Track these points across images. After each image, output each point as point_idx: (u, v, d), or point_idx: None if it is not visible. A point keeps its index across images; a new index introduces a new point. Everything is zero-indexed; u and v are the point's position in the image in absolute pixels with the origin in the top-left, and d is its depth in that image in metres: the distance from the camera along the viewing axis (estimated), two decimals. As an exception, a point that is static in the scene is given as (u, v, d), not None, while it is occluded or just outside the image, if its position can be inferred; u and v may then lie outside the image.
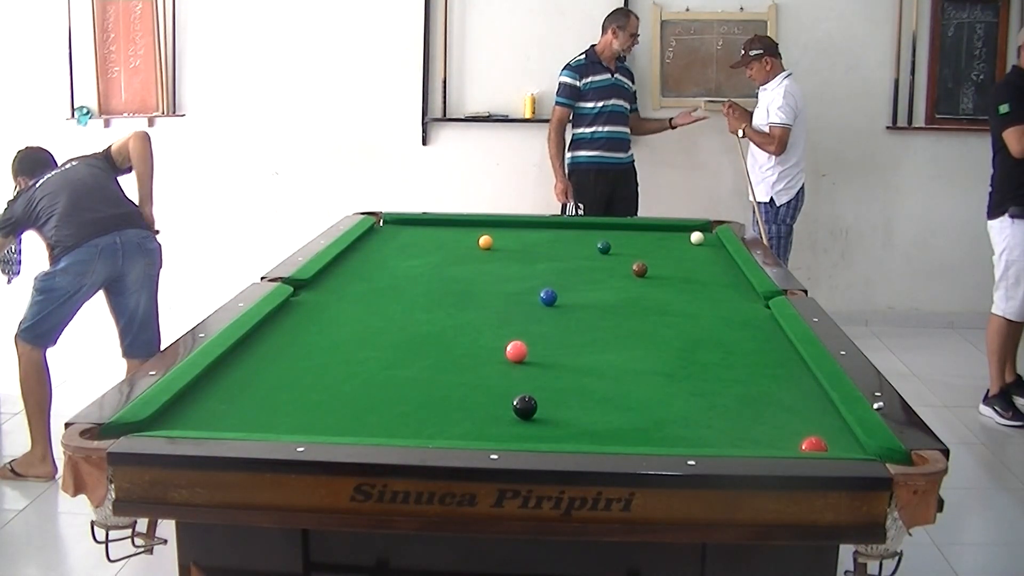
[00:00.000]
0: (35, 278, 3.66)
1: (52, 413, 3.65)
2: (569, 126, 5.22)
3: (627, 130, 5.23)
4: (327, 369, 2.24)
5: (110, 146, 3.94)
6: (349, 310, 2.77)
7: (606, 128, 5.13)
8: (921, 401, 4.14)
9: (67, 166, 3.86)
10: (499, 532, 1.63)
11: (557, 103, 5.19)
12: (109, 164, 3.91)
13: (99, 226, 3.62)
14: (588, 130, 5.15)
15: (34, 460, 3.60)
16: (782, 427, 1.93)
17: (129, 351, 3.82)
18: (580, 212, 5.12)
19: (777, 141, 4.89)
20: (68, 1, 5.56)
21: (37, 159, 3.97)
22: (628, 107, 5.23)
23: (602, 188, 5.15)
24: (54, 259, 3.63)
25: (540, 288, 2.82)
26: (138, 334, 3.79)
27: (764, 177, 5.00)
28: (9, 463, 3.64)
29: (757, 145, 4.99)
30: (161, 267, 3.87)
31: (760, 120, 5.01)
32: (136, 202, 3.87)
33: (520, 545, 1.77)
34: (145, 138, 3.86)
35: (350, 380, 2.17)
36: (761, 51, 4.98)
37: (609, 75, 5.13)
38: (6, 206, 3.82)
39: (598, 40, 5.17)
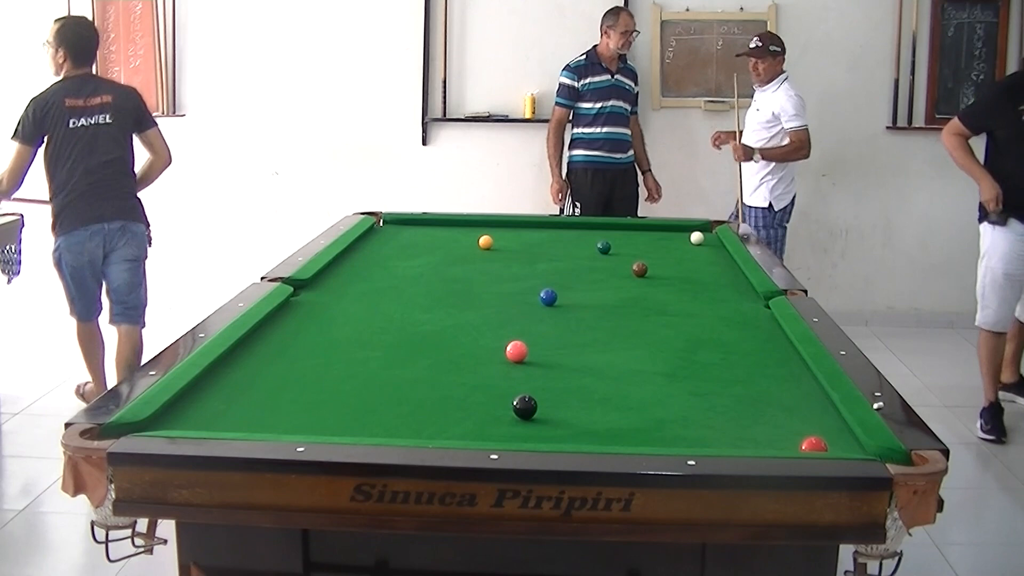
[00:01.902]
0: (52, 251, 3.99)
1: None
2: (570, 125, 5.22)
3: (627, 131, 5.22)
4: (327, 369, 2.24)
5: (147, 117, 4.13)
6: (349, 310, 2.77)
7: (604, 129, 5.13)
8: (921, 401, 4.14)
9: (93, 120, 3.90)
10: (499, 532, 1.63)
11: (556, 103, 5.20)
12: (132, 125, 4.04)
13: (99, 213, 3.91)
14: (587, 130, 5.15)
15: (92, 388, 4.17)
16: (782, 427, 1.93)
17: (115, 318, 4.11)
18: (577, 212, 5.13)
19: (804, 145, 4.85)
20: (68, 1, 5.56)
21: (88, 43, 4.02)
22: (629, 108, 5.23)
23: (599, 188, 5.15)
24: (55, 230, 3.95)
25: (540, 288, 2.82)
26: (124, 303, 4.07)
27: (763, 182, 4.94)
28: (81, 386, 4.28)
29: (781, 160, 4.89)
30: (149, 247, 4.15)
31: (757, 121, 4.94)
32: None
33: (520, 545, 1.77)
34: (166, 166, 4.20)
35: (350, 380, 2.17)
36: (779, 50, 4.91)
37: (609, 76, 5.12)
38: (23, 114, 3.89)
39: (599, 41, 5.17)
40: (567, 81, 5.14)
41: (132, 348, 4.05)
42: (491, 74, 5.68)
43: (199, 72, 5.78)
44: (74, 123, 3.87)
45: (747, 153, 4.89)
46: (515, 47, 5.64)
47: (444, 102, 5.70)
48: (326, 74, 5.72)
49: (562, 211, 5.21)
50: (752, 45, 4.94)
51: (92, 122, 3.90)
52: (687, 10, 5.57)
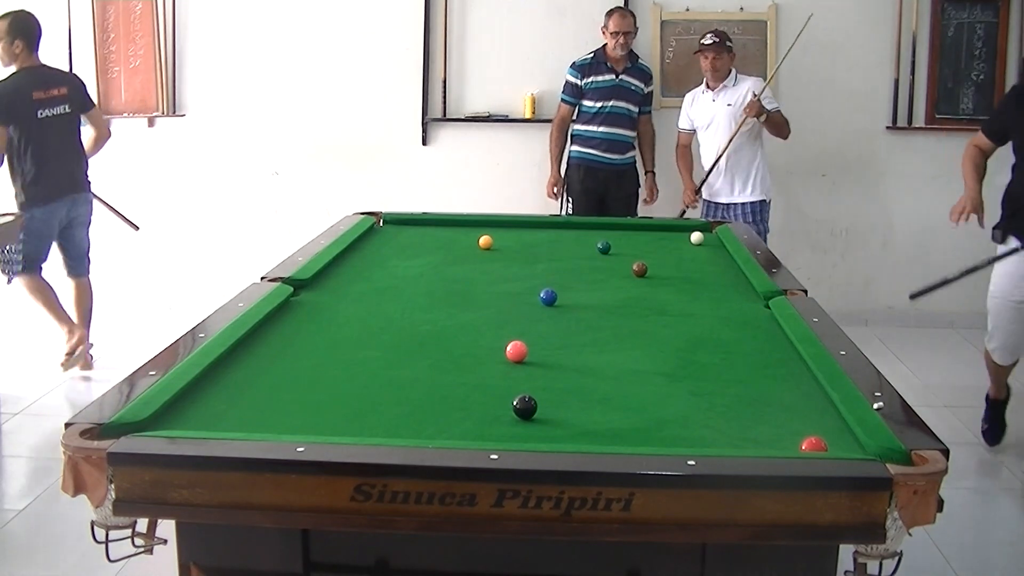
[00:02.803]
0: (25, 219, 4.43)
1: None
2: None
3: (628, 132, 5.21)
4: (327, 369, 2.24)
5: (91, 100, 4.81)
6: (349, 310, 2.77)
7: (602, 128, 5.14)
8: (921, 401, 4.12)
9: (57, 111, 4.55)
10: (499, 532, 1.63)
11: (561, 100, 5.24)
12: (82, 109, 4.71)
13: (62, 189, 4.59)
14: (585, 128, 5.18)
15: (70, 338, 4.63)
16: (782, 427, 1.93)
17: (73, 272, 4.82)
18: (569, 208, 5.14)
19: (787, 124, 4.90)
20: (68, 1, 5.56)
21: (38, 32, 4.57)
22: (635, 109, 5.21)
23: (590, 186, 5.17)
24: (28, 204, 4.49)
25: (540, 288, 2.82)
26: (80, 259, 4.82)
27: (755, 173, 4.92)
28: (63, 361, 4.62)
29: (775, 129, 4.86)
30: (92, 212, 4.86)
31: (734, 115, 4.84)
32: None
33: (520, 545, 1.77)
34: (107, 140, 4.88)
35: (350, 380, 2.17)
36: (732, 46, 4.96)
37: (613, 76, 5.13)
38: None
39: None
40: (571, 79, 5.17)
41: (89, 294, 4.84)
42: (491, 74, 5.68)
43: (199, 72, 5.78)
44: (42, 114, 4.48)
45: (760, 110, 4.76)
46: (515, 47, 5.64)
47: (444, 102, 5.70)
48: (326, 74, 5.72)
49: (562, 206, 5.23)
50: (708, 41, 4.90)
51: (56, 112, 4.54)
52: (687, 10, 5.57)
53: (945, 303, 5.75)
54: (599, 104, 5.13)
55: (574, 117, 5.23)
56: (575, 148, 5.22)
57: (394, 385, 2.14)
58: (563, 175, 5.29)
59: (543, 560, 1.82)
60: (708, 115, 5.01)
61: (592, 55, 5.17)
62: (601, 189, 5.18)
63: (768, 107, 4.83)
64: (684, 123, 5.17)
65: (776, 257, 3.43)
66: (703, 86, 5.06)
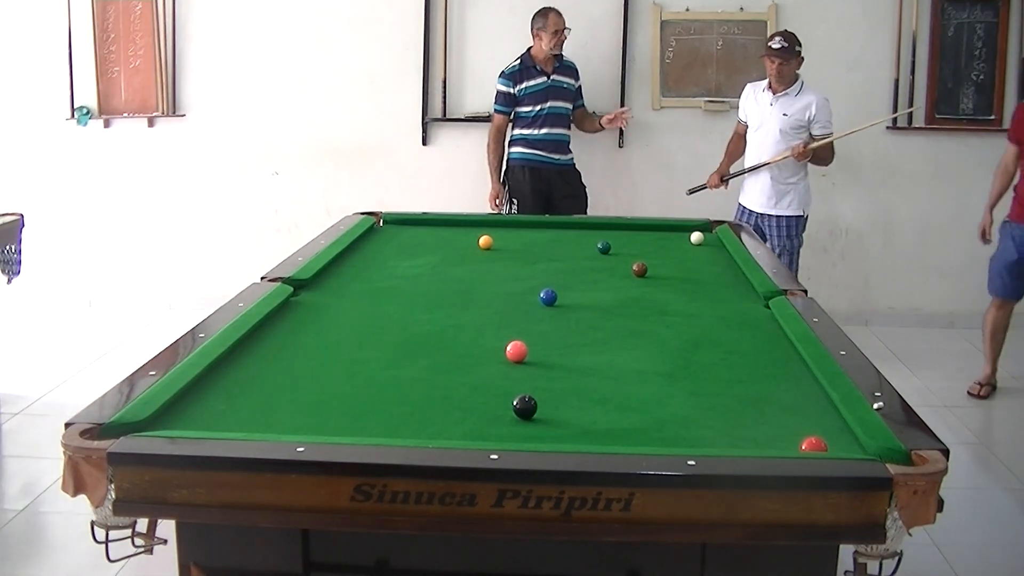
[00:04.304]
0: None
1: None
2: (511, 126, 5.25)
3: (566, 131, 5.22)
4: (327, 369, 2.25)
5: None
6: (349, 310, 2.77)
7: (543, 130, 5.14)
8: (921, 401, 4.14)
9: None
10: (499, 532, 1.63)
11: (495, 110, 5.23)
12: None
13: None
14: (526, 131, 5.17)
15: None
16: (782, 427, 1.93)
17: None
18: (514, 210, 5.16)
19: (831, 156, 4.80)
20: (68, 1, 5.56)
21: None
22: (569, 107, 5.21)
23: (536, 186, 5.17)
24: None
25: (540, 288, 2.82)
26: None
27: (792, 188, 4.78)
28: None
29: (822, 159, 4.78)
30: None
31: (790, 126, 4.72)
32: None
33: (520, 545, 1.77)
34: None
35: (350, 380, 2.17)
36: (801, 50, 4.74)
37: (544, 78, 5.12)
38: None
39: (533, 43, 5.14)
40: (503, 88, 5.16)
41: None
42: (491, 74, 5.65)
43: (199, 72, 5.77)
44: None
45: (806, 156, 4.67)
46: (515, 47, 5.62)
47: (444, 102, 5.70)
48: (326, 74, 5.72)
49: (503, 208, 5.25)
50: (777, 46, 4.69)
51: None
52: (687, 10, 5.57)
53: (945, 303, 5.77)
54: (537, 107, 5.12)
55: (511, 122, 5.22)
56: (518, 151, 5.21)
57: (394, 385, 2.14)
58: (504, 182, 5.25)
59: (543, 560, 1.82)
60: (761, 116, 4.83)
61: (519, 61, 5.16)
62: (546, 189, 5.18)
63: (825, 132, 4.70)
64: (741, 114, 5.01)
65: (783, 263, 3.42)
66: (766, 83, 4.83)
